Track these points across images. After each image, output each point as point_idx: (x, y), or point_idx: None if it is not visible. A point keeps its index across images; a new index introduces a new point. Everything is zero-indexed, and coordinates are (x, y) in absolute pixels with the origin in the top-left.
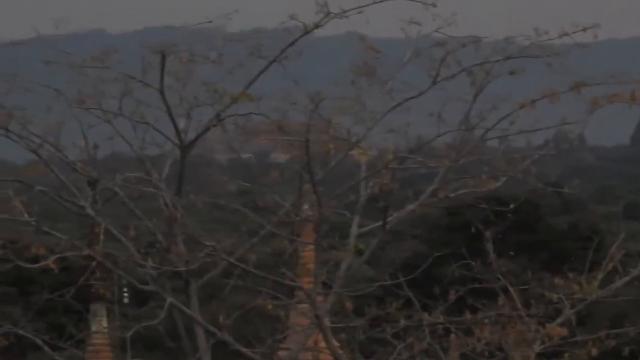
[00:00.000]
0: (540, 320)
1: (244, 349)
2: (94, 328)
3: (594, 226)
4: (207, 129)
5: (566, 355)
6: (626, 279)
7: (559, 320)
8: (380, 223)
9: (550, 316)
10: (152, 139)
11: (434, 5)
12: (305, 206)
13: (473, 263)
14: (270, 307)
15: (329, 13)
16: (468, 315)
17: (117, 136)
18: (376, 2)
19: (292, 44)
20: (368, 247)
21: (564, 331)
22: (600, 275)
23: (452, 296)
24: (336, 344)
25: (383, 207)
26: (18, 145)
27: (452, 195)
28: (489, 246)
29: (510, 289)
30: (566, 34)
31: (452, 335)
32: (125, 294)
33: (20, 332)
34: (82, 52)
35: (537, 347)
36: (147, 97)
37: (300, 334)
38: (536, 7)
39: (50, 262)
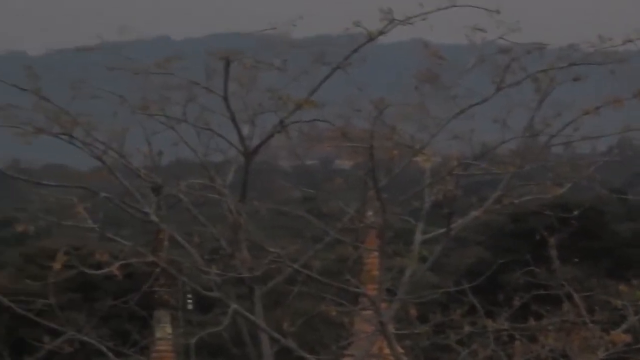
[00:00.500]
0: (605, 326)
1: (308, 356)
2: (158, 334)
3: None
4: (271, 135)
5: None
6: None
7: (624, 326)
8: (444, 230)
9: (614, 323)
10: (216, 145)
11: (497, 12)
12: (370, 213)
13: (537, 270)
14: (334, 313)
15: (393, 20)
16: (532, 322)
17: (181, 142)
18: (440, 9)
19: (355, 50)
20: (432, 253)
21: (628, 338)
22: None
23: (517, 303)
24: (400, 350)
25: (447, 213)
26: (82, 152)
27: (517, 201)
28: (553, 253)
29: (575, 295)
30: (630, 41)
31: (517, 342)
32: (190, 301)
33: (85, 338)
34: (146, 59)
35: (602, 354)
36: (211, 103)
37: (365, 341)
38: (601, 14)
39: (114, 268)
